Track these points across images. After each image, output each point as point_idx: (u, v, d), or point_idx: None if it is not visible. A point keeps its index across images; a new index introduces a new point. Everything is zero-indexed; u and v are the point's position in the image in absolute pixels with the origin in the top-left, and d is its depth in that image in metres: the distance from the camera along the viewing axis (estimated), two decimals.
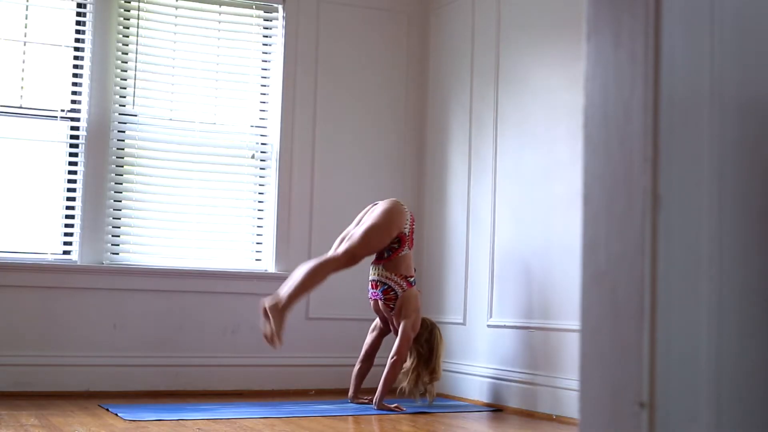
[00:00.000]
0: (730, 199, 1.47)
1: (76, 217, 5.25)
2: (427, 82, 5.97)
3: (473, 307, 5.35)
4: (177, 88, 5.53)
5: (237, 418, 4.34)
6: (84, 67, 5.31)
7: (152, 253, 5.42)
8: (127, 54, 5.41)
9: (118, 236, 5.36)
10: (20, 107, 5.21)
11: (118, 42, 5.39)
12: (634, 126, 1.44)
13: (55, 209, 5.26)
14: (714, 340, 1.44)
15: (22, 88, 5.22)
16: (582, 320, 1.51)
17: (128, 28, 5.42)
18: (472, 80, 5.51)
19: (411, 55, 5.99)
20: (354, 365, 5.04)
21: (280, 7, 5.73)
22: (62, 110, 5.27)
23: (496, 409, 4.94)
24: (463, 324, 5.42)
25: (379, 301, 4.91)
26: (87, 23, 5.32)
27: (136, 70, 5.41)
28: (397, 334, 4.85)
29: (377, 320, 5.06)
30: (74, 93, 5.32)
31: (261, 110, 5.72)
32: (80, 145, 5.29)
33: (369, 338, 5.06)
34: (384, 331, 5.05)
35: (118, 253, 5.35)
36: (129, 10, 5.43)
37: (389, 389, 4.80)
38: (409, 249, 4.90)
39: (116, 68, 5.37)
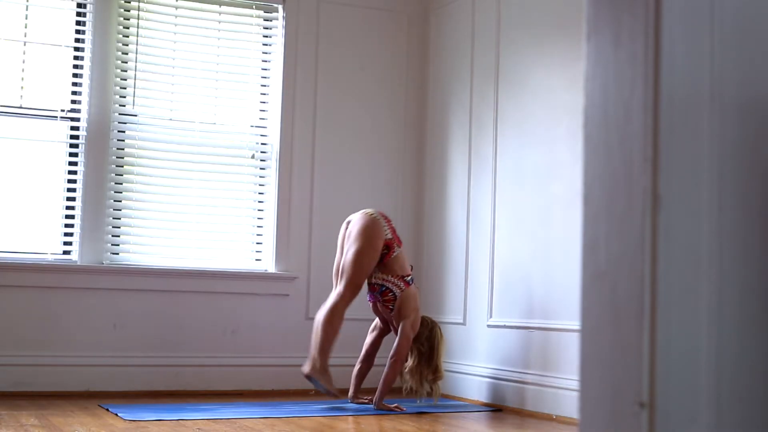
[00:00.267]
0: (730, 199, 1.47)
1: (76, 217, 5.25)
2: (427, 82, 5.97)
3: (473, 307, 5.35)
4: (177, 88, 5.53)
5: (237, 418, 4.34)
6: (84, 67, 5.31)
7: (152, 253, 5.42)
8: (127, 54, 5.41)
9: (118, 236, 5.36)
10: (20, 107, 5.21)
11: (118, 42, 5.39)
12: (634, 126, 1.44)
13: (55, 209, 5.26)
14: (714, 340, 1.44)
15: (22, 88, 5.22)
16: (582, 320, 1.51)
17: (128, 28, 5.42)
18: (472, 80, 5.51)
19: (411, 55, 5.99)
20: (354, 365, 5.04)
21: (280, 7, 5.73)
22: (62, 110, 5.27)
23: (496, 409, 4.94)
24: (463, 324, 5.42)
25: (378, 303, 4.91)
26: (87, 23, 5.32)
27: (136, 70, 5.41)
28: (397, 334, 4.85)
29: (377, 320, 5.06)
30: (74, 93, 5.32)
31: (261, 110, 5.72)
32: (80, 145, 5.29)
33: (369, 338, 5.06)
34: (384, 331, 5.05)
35: (118, 253, 5.35)
36: (129, 10, 5.43)
37: (389, 389, 4.80)
38: (399, 248, 4.87)
39: (116, 68, 5.37)
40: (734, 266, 1.47)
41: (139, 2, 5.43)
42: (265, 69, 5.73)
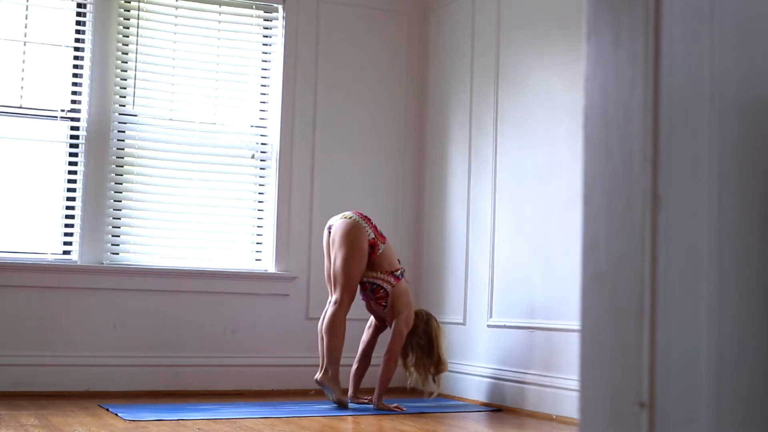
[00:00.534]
0: (730, 199, 1.47)
1: (76, 217, 5.25)
2: (427, 82, 5.97)
3: (473, 307, 5.35)
4: (177, 88, 5.53)
5: (237, 418, 4.34)
6: (84, 67, 5.31)
7: (152, 253, 5.42)
8: (127, 54, 5.41)
9: (118, 236, 5.36)
10: (20, 107, 5.21)
11: (118, 42, 5.39)
12: (634, 126, 1.44)
13: (55, 209, 5.26)
14: (714, 340, 1.44)
15: (22, 88, 5.22)
16: (582, 320, 1.51)
17: (128, 28, 5.42)
18: (472, 80, 5.51)
19: (411, 55, 5.99)
20: (352, 365, 5.04)
21: (280, 7, 5.73)
22: (62, 110, 5.27)
23: (495, 409, 4.94)
24: (463, 324, 5.42)
25: (371, 302, 4.91)
26: (87, 23, 5.32)
27: (136, 70, 5.41)
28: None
29: (372, 318, 5.07)
30: (74, 93, 5.32)
31: (261, 110, 5.72)
32: (80, 145, 5.29)
33: (365, 336, 5.06)
34: (379, 328, 5.06)
35: (118, 253, 5.35)
36: (129, 10, 5.43)
37: (387, 387, 4.80)
38: (384, 244, 4.88)
39: (116, 68, 5.37)
40: (734, 266, 1.47)
41: (139, 2, 5.43)
42: (265, 69, 5.73)
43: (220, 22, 5.65)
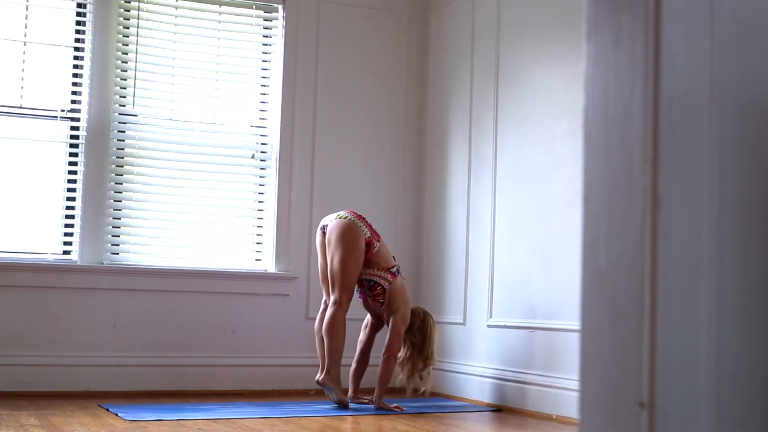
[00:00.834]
0: (730, 199, 1.47)
1: (76, 217, 5.25)
2: (427, 82, 5.97)
3: (473, 307, 5.35)
4: (177, 88, 5.53)
5: (237, 418, 4.34)
6: (84, 67, 5.31)
7: (152, 253, 5.42)
8: (127, 54, 5.41)
9: (118, 236, 5.36)
10: (20, 107, 5.21)
11: (118, 42, 5.39)
12: (634, 126, 1.44)
13: (55, 209, 5.26)
14: (714, 340, 1.44)
15: (22, 88, 5.22)
16: (582, 320, 1.51)
17: (128, 28, 5.42)
18: (472, 80, 5.51)
19: (411, 55, 5.99)
20: (351, 365, 5.04)
21: (280, 7, 5.73)
22: (62, 110, 5.27)
23: (496, 409, 4.94)
24: (463, 324, 5.43)
25: (369, 299, 4.92)
26: (87, 23, 5.32)
27: (136, 70, 5.41)
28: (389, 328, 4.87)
29: (368, 317, 5.08)
30: (74, 93, 5.32)
31: (261, 110, 5.72)
32: (80, 145, 5.29)
33: (362, 336, 5.07)
34: (376, 327, 5.06)
35: (118, 253, 5.35)
36: (129, 10, 5.43)
37: (387, 386, 4.81)
38: (379, 242, 4.88)
39: (116, 68, 5.37)
40: (734, 266, 1.47)
41: (139, 2, 5.43)
42: (265, 69, 5.73)
43: (220, 22, 5.64)
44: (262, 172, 5.68)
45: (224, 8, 5.66)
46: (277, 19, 5.75)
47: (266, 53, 5.75)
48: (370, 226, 4.88)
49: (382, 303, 4.87)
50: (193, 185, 5.54)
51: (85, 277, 5.18)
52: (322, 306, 4.95)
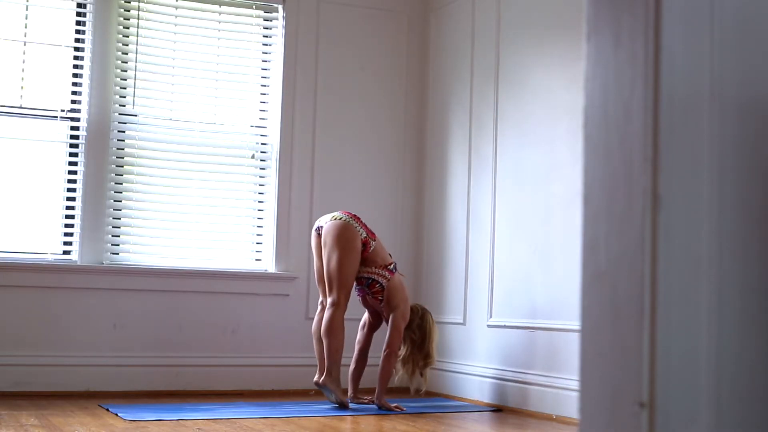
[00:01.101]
0: (730, 199, 1.47)
1: (76, 217, 5.25)
2: (427, 82, 5.97)
3: (473, 307, 5.35)
4: (177, 88, 5.53)
5: (237, 418, 4.34)
6: (84, 67, 5.31)
7: (152, 253, 5.42)
8: (127, 54, 5.41)
9: (118, 236, 5.36)
10: (20, 107, 5.21)
11: (118, 42, 5.39)
12: (634, 126, 1.44)
13: (55, 209, 5.26)
14: (714, 340, 1.44)
15: (22, 88, 5.22)
16: (582, 320, 1.51)
17: (128, 28, 5.42)
18: (472, 80, 5.51)
19: (411, 55, 5.99)
20: (349, 366, 5.04)
21: (280, 7, 5.73)
22: (62, 110, 5.27)
23: (496, 409, 4.94)
24: (463, 324, 5.42)
25: (368, 296, 4.93)
26: (87, 23, 5.32)
27: (136, 70, 5.41)
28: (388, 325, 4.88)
29: (365, 316, 5.08)
30: (74, 93, 5.32)
31: (261, 110, 5.72)
32: (80, 145, 5.29)
33: (360, 335, 5.07)
34: (374, 326, 5.07)
35: (118, 253, 5.35)
36: (129, 10, 5.43)
37: (388, 383, 4.81)
38: (374, 241, 4.88)
39: (116, 68, 5.37)
40: (734, 266, 1.47)
41: (139, 2, 5.43)
42: (265, 69, 5.73)
43: (220, 22, 5.64)
44: (262, 172, 5.68)
45: (224, 8, 5.66)
46: (277, 19, 5.75)
47: (266, 53, 5.75)
48: (365, 225, 4.87)
49: (381, 300, 4.88)
50: (193, 185, 5.54)
51: (85, 277, 5.18)
52: (319, 307, 4.96)
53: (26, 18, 5.24)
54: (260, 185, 5.68)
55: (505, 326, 5.07)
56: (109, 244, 5.32)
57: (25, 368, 5.02)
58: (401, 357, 4.93)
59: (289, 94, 5.68)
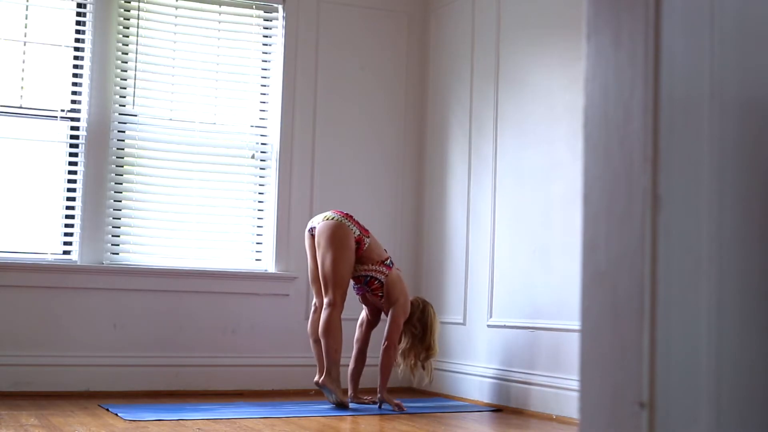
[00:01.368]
0: (730, 199, 1.47)
1: (76, 217, 5.25)
2: (427, 82, 5.97)
3: (473, 307, 5.35)
4: (177, 88, 5.53)
5: (237, 418, 4.34)
6: (84, 67, 5.31)
7: (152, 253, 5.42)
8: (127, 54, 5.41)
9: (118, 236, 5.36)
10: (20, 107, 5.21)
11: (118, 42, 5.39)
12: (634, 126, 1.44)
13: (55, 209, 5.26)
14: (714, 340, 1.44)
15: (22, 88, 5.22)
16: (582, 320, 1.51)
17: (128, 28, 5.42)
18: (472, 80, 5.51)
19: (411, 55, 5.99)
20: (348, 366, 5.04)
21: (280, 7, 5.73)
22: (62, 110, 5.27)
23: (496, 409, 4.94)
24: (463, 324, 5.43)
25: (367, 294, 4.93)
26: (87, 23, 5.32)
27: (136, 70, 5.41)
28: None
29: (363, 314, 5.08)
30: (74, 93, 5.32)
31: (261, 110, 5.72)
32: (80, 145, 5.29)
33: (358, 334, 5.07)
34: (372, 324, 5.08)
35: (118, 253, 5.35)
36: (129, 10, 5.43)
37: (389, 376, 4.83)
38: (368, 238, 4.88)
39: (116, 68, 5.37)
40: (734, 266, 1.47)
41: (139, 2, 5.43)
42: (265, 69, 5.73)
43: (220, 22, 5.65)
44: (262, 172, 5.68)
45: (224, 8, 5.66)
46: (277, 19, 5.75)
47: (266, 53, 5.75)
48: (357, 223, 4.87)
49: (381, 296, 4.89)
50: (193, 185, 5.54)
51: (85, 277, 5.18)
52: (313, 308, 4.97)
53: (26, 18, 5.24)
54: (260, 185, 5.68)
55: (505, 326, 5.07)
56: (109, 244, 5.32)
57: (25, 368, 5.02)
58: (402, 350, 4.94)
59: (289, 94, 5.68)
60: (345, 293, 4.80)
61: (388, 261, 4.92)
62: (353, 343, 5.06)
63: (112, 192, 5.34)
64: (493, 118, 5.30)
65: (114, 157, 5.36)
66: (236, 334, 5.47)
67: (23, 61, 5.23)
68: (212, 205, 5.57)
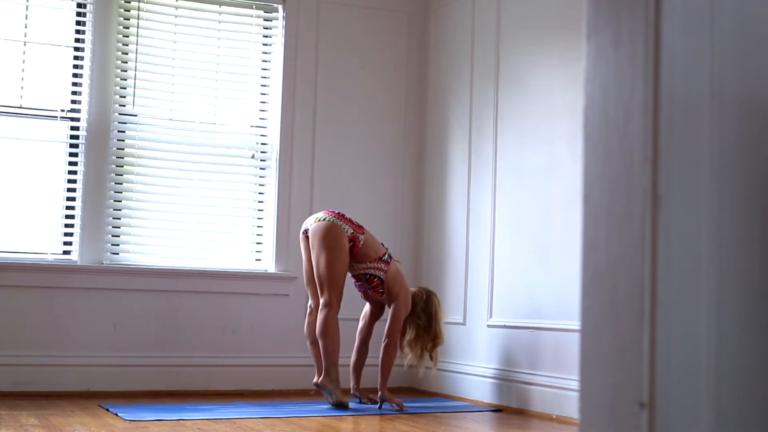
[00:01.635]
0: (730, 199, 1.47)
1: (76, 217, 5.25)
2: (427, 82, 5.97)
3: (473, 307, 5.35)
4: (177, 88, 5.53)
5: (237, 418, 4.34)
6: (84, 67, 5.31)
7: (152, 253, 5.42)
8: (127, 54, 5.41)
9: (118, 236, 5.36)
10: (20, 107, 5.21)
11: (118, 42, 5.39)
12: (634, 126, 1.44)
13: (55, 209, 5.26)
14: (714, 340, 1.44)
15: (22, 88, 5.22)
16: (582, 320, 1.51)
17: (128, 28, 5.42)
18: (472, 80, 5.51)
19: (411, 55, 5.99)
20: (349, 363, 5.05)
21: (280, 7, 5.73)
22: (62, 110, 5.27)
23: (496, 409, 4.94)
24: (463, 324, 5.43)
25: (369, 291, 4.94)
26: (87, 23, 5.32)
27: (136, 70, 5.41)
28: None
29: (366, 307, 5.09)
30: (74, 93, 5.32)
31: (261, 110, 5.72)
32: (80, 145, 5.29)
33: (361, 325, 5.09)
34: (376, 315, 5.10)
35: (118, 253, 5.35)
36: (129, 10, 5.43)
37: (389, 374, 4.85)
38: (363, 234, 4.88)
39: (116, 68, 5.37)
40: (734, 266, 1.47)
41: (139, 2, 5.43)
42: (265, 69, 5.73)
43: (220, 22, 5.64)
44: (262, 172, 5.68)
45: (224, 8, 5.66)
46: (277, 19, 5.75)
47: (266, 53, 5.75)
48: (350, 221, 4.87)
49: (382, 293, 4.90)
50: (193, 185, 5.54)
51: (85, 277, 5.18)
52: (308, 310, 4.97)
53: (26, 18, 5.24)
54: (260, 185, 5.68)
55: (505, 326, 5.07)
56: (109, 244, 5.32)
57: (25, 368, 5.02)
58: (407, 340, 4.95)
59: (289, 94, 5.68)
60: (341, 293, 4.79)
61: (386, 256, 4.92)
62: (356, 336, 5.07)
63: (112, 192, 5.34)
64: (493, 118, 5.30)
65: (114, 157, 5.36)
66: (236, 334, 5.47)
67: (23, 61, 5.22)
68: (212, 205, 5.57)
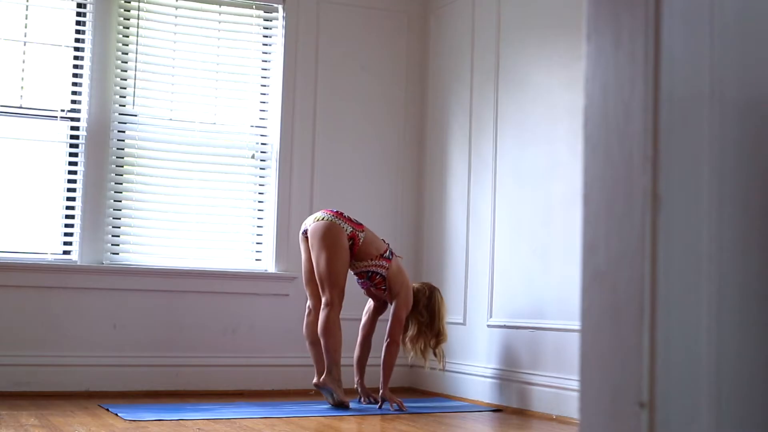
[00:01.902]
0: (730, 199, 1.47)
1: (76, 217, 5.25)
2: (427, 82, 5.97)
3: (473, 307, 5.35)
4: (177, 88, 5.53)
5: (237, 418, 4.34)
6: (84, 67, 5.31)
7: (152, 253, 5.42)
8: (127, 54, 5.41)
9: (118, 236, 5.36)
10: (20, 107, 5.21)
11: (118, 42, 5.39)
12: (634, 126, 1.44)
13: (55, 209, 5.26)
14: (714, 340, 1.44)
15: (22, 88, 5.22)
16: (582, 320, 1.51)
17: (128, 28, 5.42)
18: (472, 80, 5.51)
19: (411, 55, 5.99)
20: (352, 361, 5.05)
21: (280, 7, 5.73)
22: (62, 110, 5.27)
23: (496, 409, 4.94)
24: (463, 324, 5.42)
25: (372, 289, 4.95)
26: (87, 23, 5.32)
27: (136, 70, 5.41)
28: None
29: (370, 302, 5.10)
30: (74, 93, 5.32)
31: (261, 110, 5.72)
32: (80, 145, 5.29)
33: (364, 320, 5.10)
34: (379, 309, 5.11)
35: (118, 253, 5.35)
36: (129, 10, 5.43)
37: (391, 374, 4.86)
38: (363, 232, 4.88)
39: (116, 68, 5.37)
40: (734, 266, 1.47)
41: (139, 2, 5.43)
42: (265, 69, 5.73)
43: (220, 22, 5.64)
44: (262, 172, 5.68)
45: (224, 8, 5.66)
46: (277, 19, 5.75)
47: (266, 53, 5.75)
48: (349, 219, 4.86)
49: (385, 290, 4.91)
50: (193, 185, 5.54)
51: (85, 277, 5.18)
52: (307, 311, 4.96)
53: (26, 18, 5.24)
54: (260, 185, 5.68)
55: (505, 326, 5.07)
56: (109, 244, 5.32)
57: (25, 368, 5.02)
58: (410, 336, 4.96)
59: (289, 94, 5.68)
60: (342, 292, 4.79)
61: (387, 253, 4.92)
62: (359, 331, 5.08)
63: (112, 192, 5.34)
64: (493, 118, 5.30)
65: (114, 157, 5.36)
66: (236, 334, 5.47)
67: (23, 61, 5.23)
68: (212, 205, 5.57)
